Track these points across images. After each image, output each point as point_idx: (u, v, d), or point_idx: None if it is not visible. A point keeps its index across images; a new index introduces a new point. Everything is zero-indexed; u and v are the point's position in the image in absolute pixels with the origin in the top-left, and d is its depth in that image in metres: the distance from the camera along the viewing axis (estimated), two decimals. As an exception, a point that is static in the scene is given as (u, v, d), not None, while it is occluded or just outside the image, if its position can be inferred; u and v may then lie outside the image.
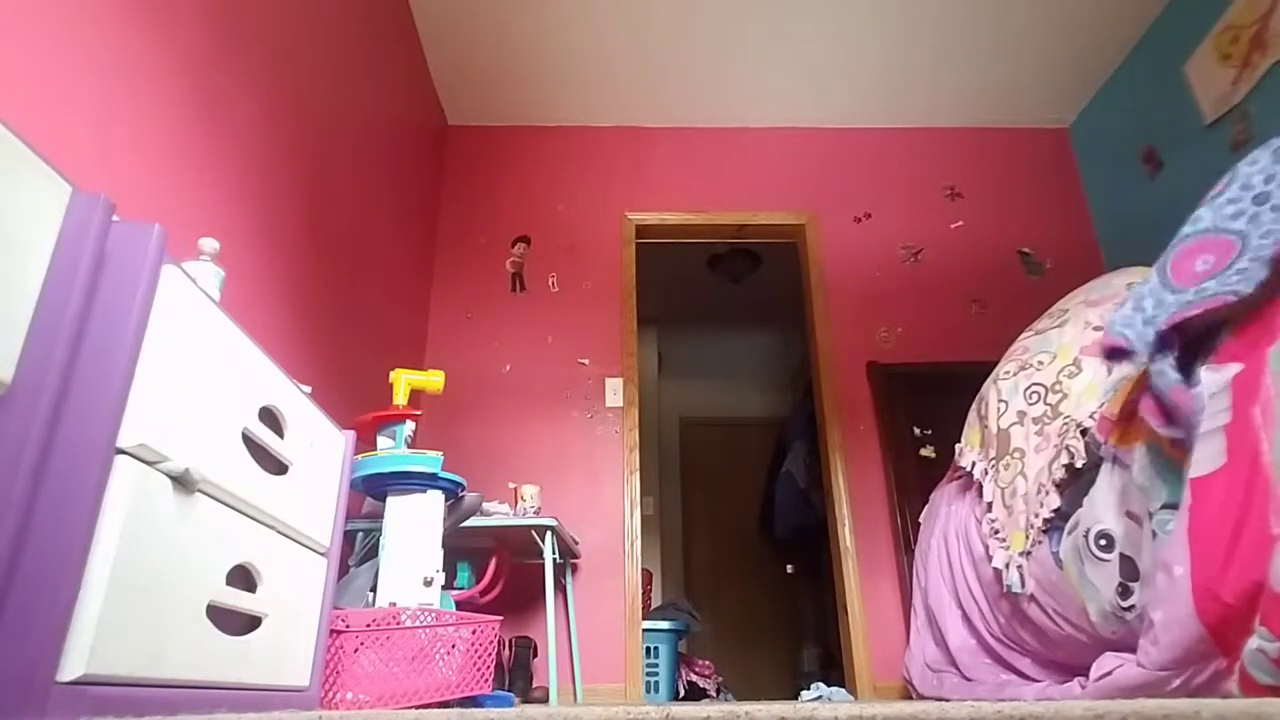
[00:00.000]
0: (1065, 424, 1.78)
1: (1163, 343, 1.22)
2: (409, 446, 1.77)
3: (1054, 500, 1.71)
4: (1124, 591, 1.45)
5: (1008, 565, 1.86)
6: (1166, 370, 1.21)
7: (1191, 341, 1.23)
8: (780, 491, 4.79)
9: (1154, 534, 1.35)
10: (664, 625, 3.12)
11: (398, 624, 1.40)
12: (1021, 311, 2.80)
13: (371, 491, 1.70)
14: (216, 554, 0.89)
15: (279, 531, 1.05)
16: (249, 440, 0.97)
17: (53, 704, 0.63)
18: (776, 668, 4.98)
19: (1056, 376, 1.93)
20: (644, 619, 2.95)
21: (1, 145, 0.65)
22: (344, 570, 1.81)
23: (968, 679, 2.12)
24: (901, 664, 2.61)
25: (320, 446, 1.20)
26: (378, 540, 1.73)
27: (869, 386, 3.26)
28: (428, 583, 1.55)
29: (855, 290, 3.45)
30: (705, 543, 5.33)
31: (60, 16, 1.17)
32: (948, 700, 1.89)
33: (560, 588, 2.86)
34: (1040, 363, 2.03)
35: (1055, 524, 1.72)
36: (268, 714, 0.75)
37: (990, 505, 2.02)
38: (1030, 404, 1.98)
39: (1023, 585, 1.80)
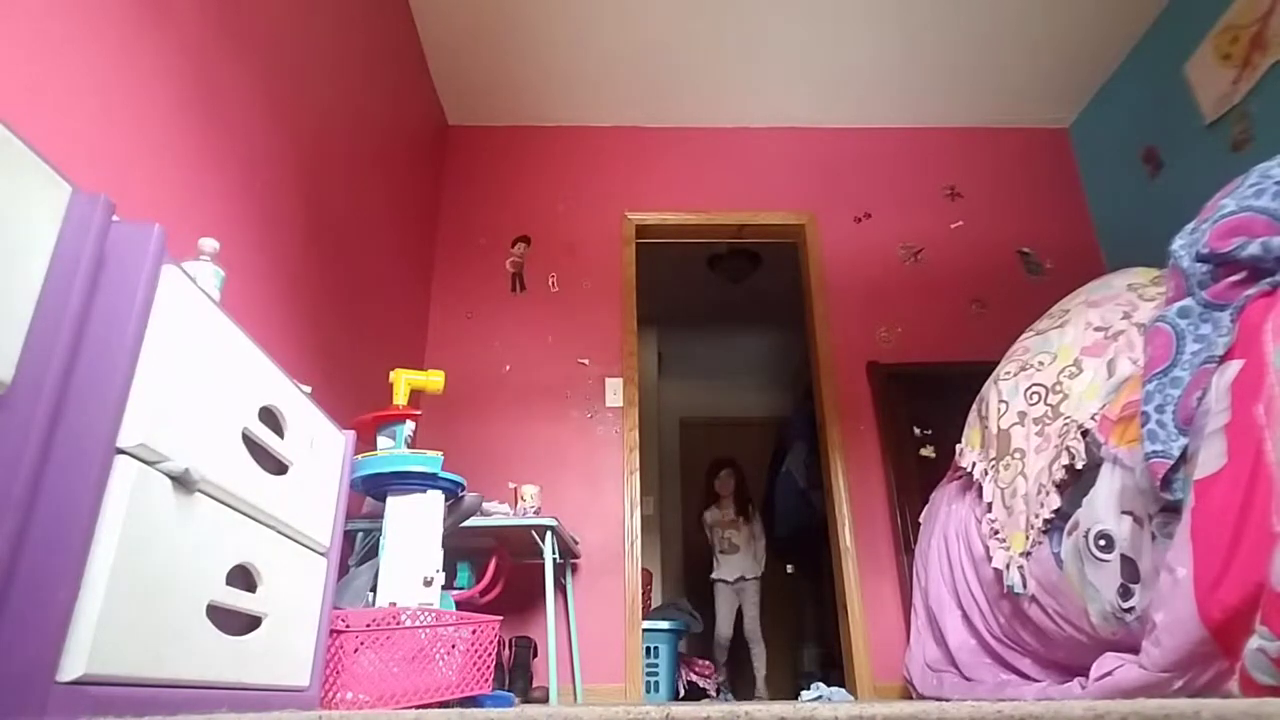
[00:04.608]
0: (1066, 425, 1.78)
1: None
2: (409, 446, 1.77)
3: (1054, 501, 1.71)
4: (1125, 593, 1.44)
5: (1008, 566, 1.86)
6: None
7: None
8: (780, 491, 4.78)
9: (1154, 536, 1.35)
10: (664, 625, 3.12)
11: (398, 624, 1.40)
12: (1021, 311, 2.79)
13: (371, 491, 1.70)
14: (216, 554, 0.89)
15: (279, 531, 1.05)
16: (249, 440, 0.97)
17: (53, 704, 0.63)
18: (776, 668, 4.98)
19: (1057, 377, 1.93)
20: (644, 619, 2.94)
21: (1, 145, 0.65)
22: (344, 570, 1.81)
23: (968, 679, 2.12)
24: (901, 664, 2.61)
25: (320, 446, 1.20)
26: (378, 540, 1.72)
27: (869, 386, 3.26)
28: (428, 583, 1.55)
29: (855, 290, 3.45)
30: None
31: (60, 16, 1.17)
32: (948, 700, 1.88)
33: (560, 588, 2.85)
34: (1041, 363, 2.03)
35: (1055, 524, 1.72)
36: (268, 714, 0.75)
37: (990, 505, 2.02)
38: (1031, 404, 1.98)
39: (1024, 586, 1.79)
